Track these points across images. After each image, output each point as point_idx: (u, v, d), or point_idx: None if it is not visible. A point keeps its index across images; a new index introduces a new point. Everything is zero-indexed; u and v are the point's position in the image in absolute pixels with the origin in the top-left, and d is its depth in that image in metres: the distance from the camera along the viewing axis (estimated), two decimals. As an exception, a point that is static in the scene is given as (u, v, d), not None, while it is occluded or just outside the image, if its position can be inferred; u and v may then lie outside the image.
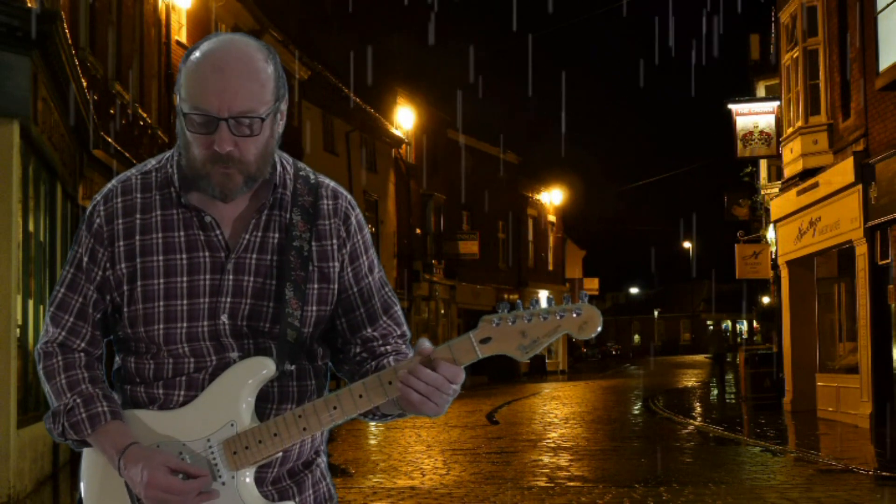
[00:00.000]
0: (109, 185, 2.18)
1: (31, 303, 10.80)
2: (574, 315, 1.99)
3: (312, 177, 2.21)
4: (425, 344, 2.01)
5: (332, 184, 2.23)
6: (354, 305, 2.19)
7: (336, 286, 2.17)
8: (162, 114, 18.31)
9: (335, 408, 2.04)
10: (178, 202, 2.12)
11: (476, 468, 12.50)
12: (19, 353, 9.88)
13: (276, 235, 2.13)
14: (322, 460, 2.29)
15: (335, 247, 2.16)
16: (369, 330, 2.20)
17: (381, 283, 2.24)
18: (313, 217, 2.15)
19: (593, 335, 2.00)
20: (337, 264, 2.16)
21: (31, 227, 10.91)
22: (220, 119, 1.99)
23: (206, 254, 2.10)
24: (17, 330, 10.03)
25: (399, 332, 2.24)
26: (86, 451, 2.16)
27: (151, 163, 2.20)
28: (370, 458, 13.73)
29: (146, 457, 2.02)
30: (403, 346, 2.22)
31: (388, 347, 2.19)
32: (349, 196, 2.23)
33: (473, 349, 2.00)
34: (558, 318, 1.99)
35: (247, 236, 2.11)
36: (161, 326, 2.09)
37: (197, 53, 2.04)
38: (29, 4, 9.65)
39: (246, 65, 2.02)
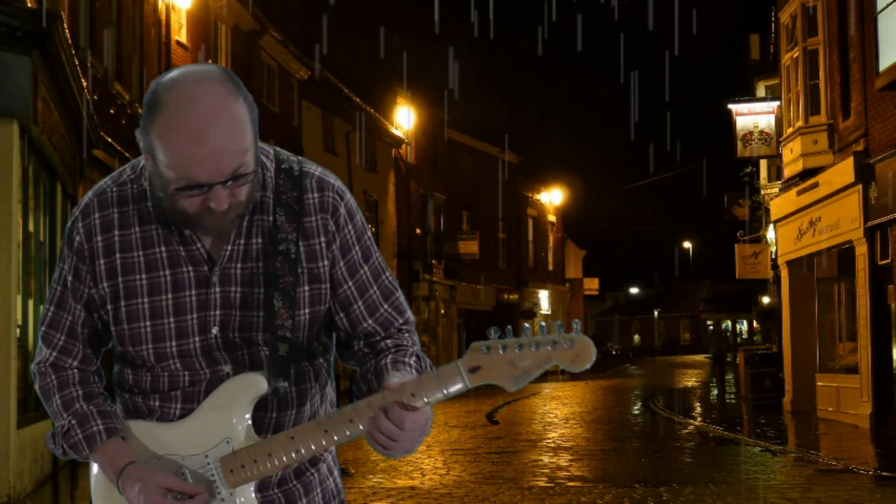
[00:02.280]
0: (86, 199, 2.11)
1: (31, 303, 10.79)
2: (566, 346, 1.93)
3: (296, 167, 2.10)
4: (392, 379, 1.96)
5: (318, 172, 2.12)
6: (352, 299, 2.12)
7: (328, 284, 2.10)
8: (162, 114, 18.28)
9: (326, 431, 2.00)
10: (156, 217, 2.06)
11: (476, 468, 12.50)
12: (19, 353, 9.87)
13: (260, 241, 2.05)
14: (329, 453, 2.23)
15: (323, 245, 2.08)
16: (370, 321, 2.13)
17: (380, 270, 2.16)
18: (298, 215, 2.06)
19: (585, 368, 1.94)
20: (327, 263, 2.08)
21: (31, 227, 10.90)
22: (214, 184, 1.90)
23: (190, 268, 2.04)
24: (17, 330, 10.03)
25: (401, 321, 2.17)
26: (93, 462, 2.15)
27: (126, 172, 2.12)
28: (370, 458, 13.72)
29: (143, 477, 2.00)
30: (406, 336, 2.16)
31: (388, 342, 2.14)
32: (336, 184, 2.12)
33: (462, 378, 1.95)
34: (549, 349, 1.93)
35: (229, 247, 2.04)
36: (150, 346, 2.06)
37: (166, 112, 1.88)
38: (29, 4, 9.66)
39: (226, 121, 1.87)
